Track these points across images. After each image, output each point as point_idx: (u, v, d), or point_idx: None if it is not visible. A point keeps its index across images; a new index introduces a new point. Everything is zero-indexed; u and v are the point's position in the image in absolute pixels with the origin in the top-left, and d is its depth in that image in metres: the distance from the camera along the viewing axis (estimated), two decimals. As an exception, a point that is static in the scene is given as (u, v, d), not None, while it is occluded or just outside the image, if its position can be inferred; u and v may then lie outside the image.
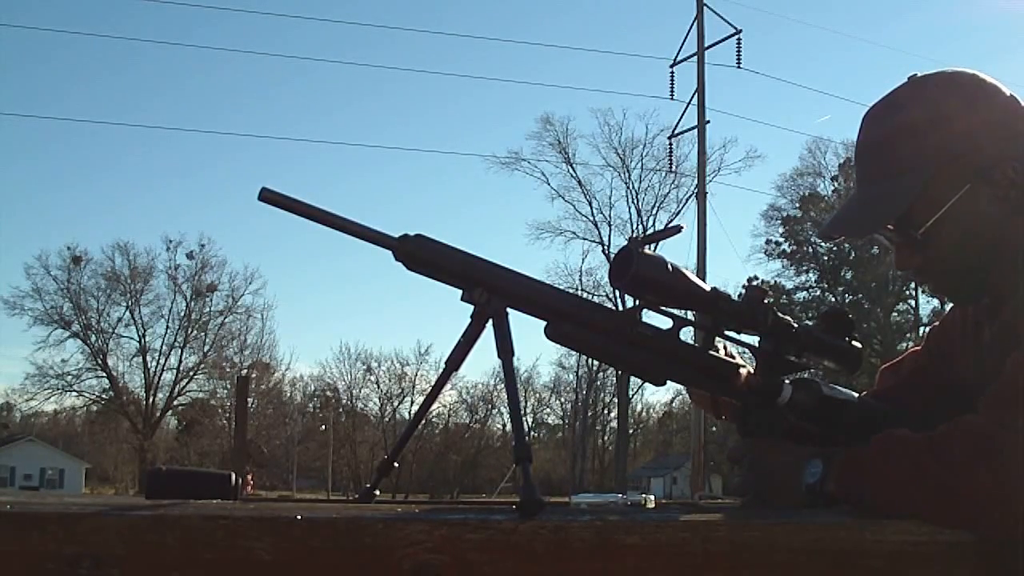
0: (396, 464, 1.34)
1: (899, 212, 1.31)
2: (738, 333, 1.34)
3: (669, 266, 1.25)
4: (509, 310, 1.18)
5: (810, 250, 44.06)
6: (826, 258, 43.48)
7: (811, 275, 44.47)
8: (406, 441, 1.44)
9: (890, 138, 1.34)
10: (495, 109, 69.36)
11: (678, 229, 1.51)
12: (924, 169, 1.30)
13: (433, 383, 1.31)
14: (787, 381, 1.37)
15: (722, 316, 1.31)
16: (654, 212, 44.44)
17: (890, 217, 1.32)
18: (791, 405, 1.36)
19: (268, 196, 1.11)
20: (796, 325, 1.36)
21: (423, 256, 1.16)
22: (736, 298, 1.33)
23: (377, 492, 1.30)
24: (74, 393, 47.54)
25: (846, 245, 41.67)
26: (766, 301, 1.34)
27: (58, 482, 45.02)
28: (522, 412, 1.17)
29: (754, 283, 35.54)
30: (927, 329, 1.61)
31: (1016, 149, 1.30)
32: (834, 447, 1.27)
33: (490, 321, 1.17)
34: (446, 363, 1.25)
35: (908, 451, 1.15)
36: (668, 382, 1.33)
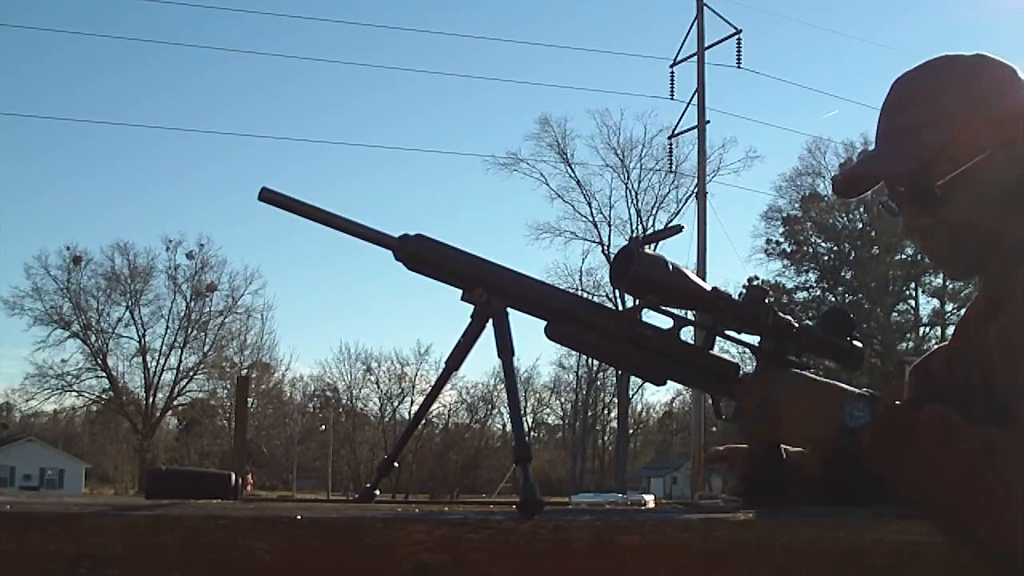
0: (396, 464, 1.34)
1: (924, 157, 1.30)
2: (739, 333, 1.34)
3: (670, 266, 1.25)
4: (509, 310, 1.18)
5: (810, 250, 44.08)
6: (826, 258, 43.49)
7: (811, 275, 44.49)
8: (406, 441, 1.44)
9: (919, 95, 1.35)
10: (495, 109, 69.48)
11: (678, 229, 1.51)
12: (948, 124, 1.31)
13: (433, 383, 1.32)
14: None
15: (723, 316, 1.31)
16: (654, 212, 44.54)
17: (916, 161, 1.31)
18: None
19: (268, 196, 1.11)
20: (797, 325, 1.36)
21: (423, 256, 1.16)
22: (737, 298, 1.33)
23: (377, 492, 1.30)
24: (74, 393, 47.61)
25: (846, 245, 41.74)
26: (767, 301, 1.34)
27: (58, 482, 45.02)
28: (522, 412, 1.17)
29: (754, 283, 35.54)
30: (958, 322, 1.57)
31: None
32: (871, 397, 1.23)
33: (490, 321, 1.17)
34: (446, 363, 1.25)
35: (965, 447, 1.11)
36: (668, 382, 1.33)
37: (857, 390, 1.24)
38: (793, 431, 1.29)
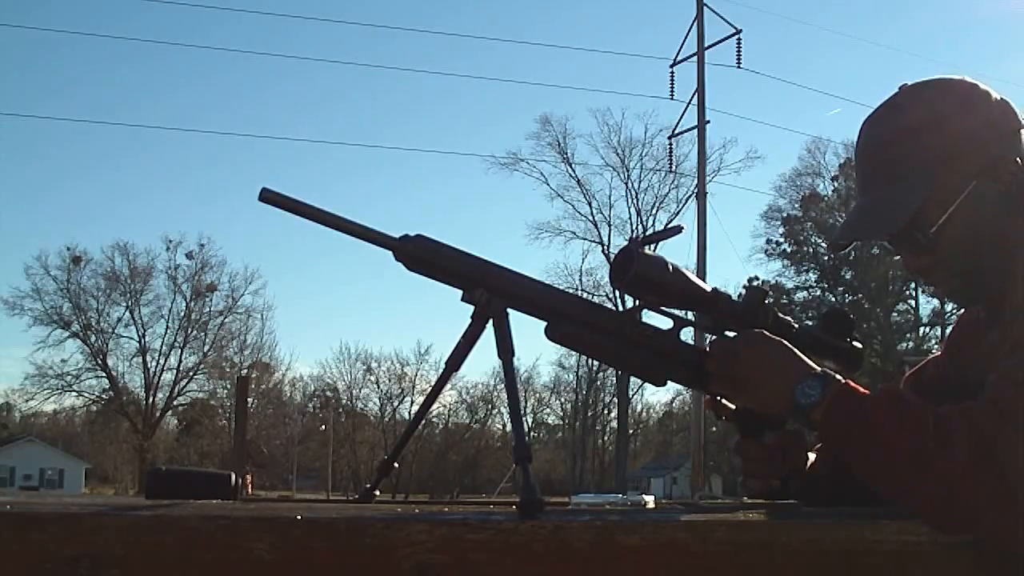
0: (396, 464, 1.34)
1: (912, 212, 1.30)
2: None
3: (669, 266, 1.25)
4: (509, 310, 1.18)
5: (810, 250, 44.12)
6: (826, 258, 43.49)
7: (811, 275, 44.58)
8: (406, 441, 1.44)
9: (892, 142, 1.34)
10: (495, 109, 69.55)
11: (678, 229, 1.51)
12: (930, 170, 1.30)
13: (433, 383, 1.32)
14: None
15: (722, 316, 1.31)
16: (654, 212, 44.61)
17: (905, 218, 1.30)
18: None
19: (268, 196, 1.11)
20: (796, 325, 1.36)
21: (423, 256, 1.16)
22: (736, 298, 1.33)
23: (377, 492, 1.30)
24: (74, 393, 47.65)
25: (846, 245, 41.71)
26: (766, 301, 1.34)
27: (58, 482, 45.01)
28: (522, 412, 1.17)
29: (754, 283, 35.55)
30: (949, 331, 1.58)
31: (1014, 148, 1.31)
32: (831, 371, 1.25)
33: (490, 321, 1.17)
34: (446, 363, 1.25)
35: (916, 426, 1.12)
36: (668, 382, 1.33)
37: (816, 367, 1.25)
38: (748, 401, 1.32)
